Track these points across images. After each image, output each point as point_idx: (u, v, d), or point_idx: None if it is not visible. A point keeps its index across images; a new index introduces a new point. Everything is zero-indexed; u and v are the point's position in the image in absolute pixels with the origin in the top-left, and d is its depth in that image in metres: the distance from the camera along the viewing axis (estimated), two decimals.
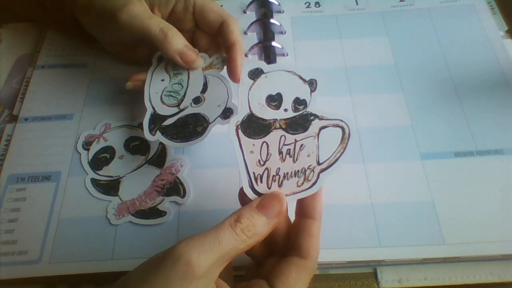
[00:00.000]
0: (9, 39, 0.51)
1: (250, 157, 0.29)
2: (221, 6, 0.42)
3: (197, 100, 0.37)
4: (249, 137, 0.29)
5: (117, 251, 0.35)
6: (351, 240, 0.35)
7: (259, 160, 0.29)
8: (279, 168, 0.29)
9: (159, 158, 0.40)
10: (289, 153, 0.29)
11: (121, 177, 0.39)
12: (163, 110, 0.37)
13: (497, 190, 0.37)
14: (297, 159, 0.29)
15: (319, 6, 0.51)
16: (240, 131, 0.29)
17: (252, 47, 0.46)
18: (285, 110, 0.30)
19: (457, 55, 0.46)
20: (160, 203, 0.37)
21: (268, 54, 0.46)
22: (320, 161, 0.29)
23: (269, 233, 0.27)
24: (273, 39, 0.48)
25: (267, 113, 0.30)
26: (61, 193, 0.38)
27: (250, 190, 0.29)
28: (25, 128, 0.42)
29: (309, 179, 0.29)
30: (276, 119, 0.30)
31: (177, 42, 0.37)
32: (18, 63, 0.48)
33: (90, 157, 0.40)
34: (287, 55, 0.46)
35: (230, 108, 0.36)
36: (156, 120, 0.37)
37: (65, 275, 0.34)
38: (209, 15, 0.40)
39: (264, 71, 0.31)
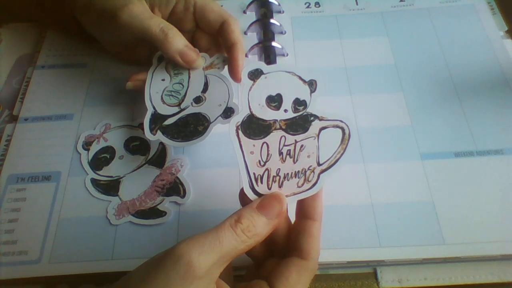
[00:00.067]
0: (9, 39, 0.51)
1: (250, 158, 0.29)
2: (221, 6, 0.42)
3: (198, 100, 0.37)
4: (249, 137, 0.29)
5: (117, 251, 0.35)
6: (351, 240, 0.35)
7: (259, 161, 0.29)
8: (279, 168, 0.29)
9: (159, 158, 0.40)
10: (289, 154, 0.29)
11: (121, 177, 0.39)
12: (163, 109, 0.37)
13: (497, 190, 0.37)
14: (297, 160, 0.29)
15: (319, 6, 0.51)
16: (240, 132, 0.29)
17: (252, 47, 0.46)
18: (285, 110, 0.30)
19: (457, 55, 0.46)
20: (160, 203, 0.37)
21: (268, 54, 0.46)
22: (320, 162, 0.29)
23: (269, 233, 0.27)
24: (273, 39, 0.48)
25: (267, 114, 0.30)
26: (61, 193, 0.38)
27: (250, 190, 0.29)
28: (25, 128, 0.42)
29: (309, 180, 0.29)
30: (276, 120, 0.30)
31: (178, 42, 0.37)
32: (18, 63, 0.48)
33: (90, 157, 0.40)
34: (287, 55, 0.46)
35: (231, 108, 0.36)
36: (157, 119, 0.37)
37: (65, 275, 0.34)
38: (210, 15, 0.40)
39: (264, 71, 0.31)
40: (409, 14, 0.49)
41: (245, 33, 0.48)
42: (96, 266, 0.35)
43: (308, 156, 0.29)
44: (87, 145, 0.41)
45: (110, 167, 0.39)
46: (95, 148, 0.41)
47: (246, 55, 0.46)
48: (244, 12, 0.50)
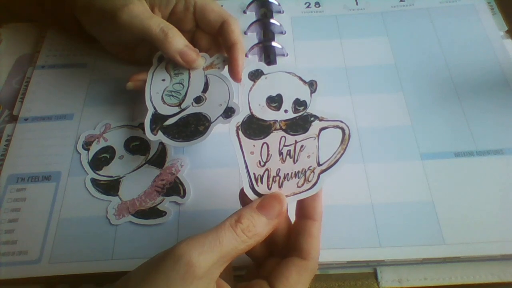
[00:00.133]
0: (9, 39, 0.51)
1: (250, 158, 0.29)
2: (221, 6, 0.42)
3: (198, 100, 0.37)
4: (249, 138, 0.29)
5: (117, 251, 0.35)
6: (351, 240, 0.35)
7: (259, 161, 0.29)
8: (279, 169, 0.29)
9: (159, 158, 0.40)
10: (289, 154, 0.29)
11: (121, 177, 0.39)
12: (164, 109, 0.37)
13: (497, 190, 0.37)
14: (297, 160, 0.29)
15: (319, 6, 0.51)
16: (240, 132, 0.29)
17: (252, 47, 0.46)
18: (285, 111, 0.30)
19: (457, 55, 0.46)
20: (160, 203, 0.37)
21: (268, 54, 0.46)
22: (320, 162, 0.29)
23: (269, 233, 0.27)
24: (273, 39, 0.48)
25: (267, 114, 0.30)
26: (61, 193, 0.38)
27: (250, 190, 0.29)
28: (25, 128, 0.42)
29: (309, 180, 0.29)
30: (276, 120, 0.30)
31: (178, 41, 0.37)
32: (18, 63, 0.48)
33: (90, 157, 0.40)
34: (287, 55, 0.46)
35: (231, 108, 0.36)
36: (158, 119, 0.37)
37: (65, 275, 0.34)
38: (210, 15, 0.40)
39: (264, 72, 0.31)
40: (409, 14, 0.49)
41: (245, 33, 0.48)
42: (96, 266, 0.35)
43: (308, 157, 0.29)
44: (87, 145, 0.41)
45: (110, 167, 0.39)
46: (95, 148, 0.41)
47: (246, 55, 0.46)
48: (244, 12, 0.50)
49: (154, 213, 0.37)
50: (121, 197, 0.38)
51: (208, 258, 0.23)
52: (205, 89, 0.38)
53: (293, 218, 0.30)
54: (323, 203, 0.29)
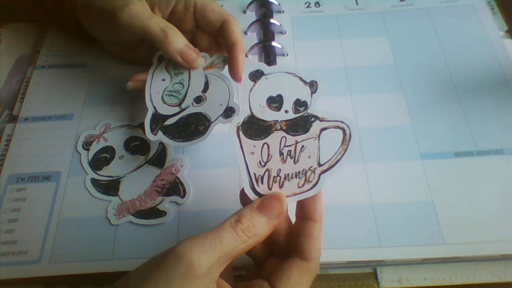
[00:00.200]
0: (9, 39, 0.51)
1: (251, 158, 0.29)
2: (221, 6, 0.42)
3: (198, 100, 0.37)
4: (250, 138, 0.29)
5: (117, 251, 0.35)
6: (351, 240, 0.35)
7: (260, 161, 0.29)
8: (280, 169, 0.29)
9: (159, 158, 0.40)
10: (290, 155, 0.29)
11: (121, 177, 0.39)
12: (164, 109, 0.37)
13: (497, 190, 0.37)
14: (298, 161, 0.29)
15: (319, 6, 0.51)
16: (241, 132, 0.29)
17: (252, 47, 0.46)
18: (286, 111, 0.30)
19: (457, 55, 0.46)
20: (160, 203, 0.37)
21: (268, 54, 0.46)
22: (321, 163, 0.29)
23: (269, 233, 0.27)
24: (273, 39, 0.48)
25: (267, 115, 0.30)
26: (61, 193, 0.38)
27: (251, 191, 0.29)
28: (25, 128, 0.42)
29: (310, 180, 0.29)
30: (277, 121, 0.30)
31: (178, 41, 0.37)
32: (18, 63, 0.48)
33: (90, 157, 0.40)
34: (287, 55, 0.46)
35: (231, 107, 0.36)
36: (158, 119, 0.37)
37: (65, 275, 0.34)
38: (210, 15, 0.40)
39: (265, 72, 0.31)
40: (409, 14, 0.49)
41: (245, 33, 0.48)
42: (96, 266, 0.35)
43: (309, 157, 0.29)
44: (87, 145, 0.41)
45: (110, 167, 0.39)
46: (95, 148, 0.41)
47: (246, 55, 0.46)
48: (244, 12, 0.50)
49: (154, 213, 0.37)
50: (121, 197, 0.38)
51: (209, 258, 0.24)
52: (205, 89, 0.38)
53: (293, 219, 0.30)
54: (323, 203, 0.29)
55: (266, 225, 0.27)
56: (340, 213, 0.36)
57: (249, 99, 0.30)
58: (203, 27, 0.41)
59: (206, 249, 0.24)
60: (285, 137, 0.29)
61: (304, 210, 0.29)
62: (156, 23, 0.37)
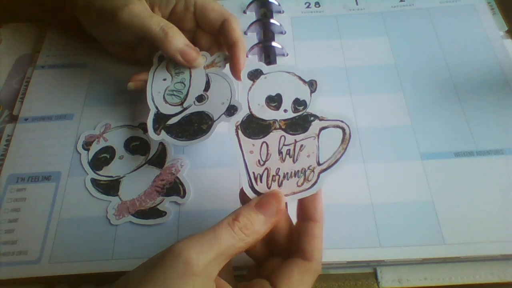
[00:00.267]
0: (9, 39, 0.51)
1: (250, 157, 0.29)
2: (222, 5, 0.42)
3: (200, 99, 0.37)
4: (249, 137, 0.29)
5: (117, 251, 0.35)
6: (351, 240, 0.35)
7: (259, 160, 0.29)
8: (279, 168, 0.29)
9: (159, 158, 0.40)
10: (289, 154, 0.29)
11: (121, 177, 0.39)
12: (166, 109, 0.37)
13: (497, 190, 0.37)
14: (297, 160, 0.29)
15: (319, 6, 0.51)
16: (240, 131, 0.29)
17: (252, 47, 0.46)
18: (285, 110, 0.30)
19: (457, 55, 0.46)
20: (160, 203, 0.37)
21: (268, 54, 0.46)
22: (320, 162, 0.29)
23: (268, 232, 0.27)
24: (273, 39, 0.48)
25: (267, 114, 0.30)
26: (61, 193, 0.38)
27: (250, 189, 0.29)
28: (25, 128, 0.42)
29: (309, 179, 0.29)
30: (276, 120, 0.30)
31: (178, 40, 0.37)
32: (18, 63, 0.48)
33: (90, 157, 0.40)
34: (287, 55, 0.46)
35: (234, 106, 0.36)
36: (160, 119, 0.37)
37: (65, 275, 0.34)
38: (210, 14, 0.40)
39: (264, 72, 0.31)
40: (409, 14, 0.49)
41: (245, 33, 0.48)
42: (96, 266, 0.35)
43: (308, 156, 0.29)
44: (87, 145, 0.41)
45: (110, 167, 0.39)
46: (95, 148, 0.41)
47: (246, 55, 0.46)
48: (244, 12, 0.50)
49: (154, 213, 0.37)
50: (121, 197, 0.38)
51: (206, 256, 0.24)
52: (206, 88, 0.38)
53: (294, 219, 0.30)
54: (323, 203, 0.29)
55: (264, 223, 0.27)
56: (340, 213, 0.36)
57: (248, 98, 0.30)
58: (204, 26, 0.41)
59: (203, 248, 0.24)
60: (284, 136, 0.29)
61: (305, 210, 0.29)
62: (156, 22, 0.37)
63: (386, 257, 0.34)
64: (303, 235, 0.28)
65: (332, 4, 0.51)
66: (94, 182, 0.39)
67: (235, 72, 0.38)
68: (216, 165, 0.39)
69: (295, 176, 0.29)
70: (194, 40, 0.42)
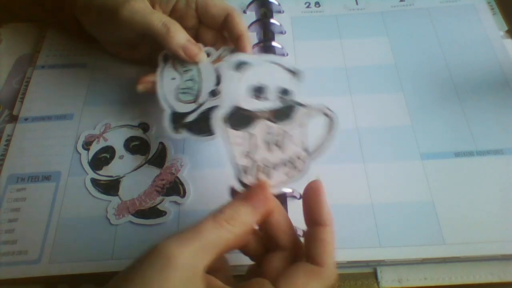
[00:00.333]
0: (9, 39, 0.51)
1: (236, 150, 0.29)
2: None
3: (213, 93, 0.37)
4: (235, 129, 0.29)
5: (117, 251, 0.35)
6: (351, 240, 0.35)
7: (246, 152, 0.29)
8: (266, 158, 0.29)
9: (159, 158, 0.40)
10: (276, 144, 0.29)
11: (121, 177, 0.39)
12: (181, 107, 0.37)
13: (497, 190, 0.37)
14: (284, 149, 0.29)
15: (319, 6, 0.51)
16: (226, 124, 0.29)
17: (252, 47, 0.46)
18: (270, 100, 0.30)
19: (457, 55, 0.46)
20: (160, 203, 0.37)
21: (268, 54, 0.46)
22: (308, 150, 0.29)
23: (258, 222, 0.27)
24: (273, 39, 0.48)
25: (252, 105, 0.29)
26: (61, 193, 0.38)
27: (238, 182, 0.29)
28: (25, 128, 0.42)
29: (297, 168, 0.28)
30: (262, 110, 0.29)
31: (180, 36, 0.37)
32: (18, 63, 0.48)
33: (90, 157, 0.40)
34: (287, 55, 0.46)
35: None
36: (177, 118, 0.37)
37: (65, 275, 0.34)
38: (213, 10, 0.40)
39: (248, 62, 0.31)
40: (409, 14, 0.49)
41: None
42: (96, 266, 0.35)
43: (296, 145, 0.29)
44: (87, 145, 0.41)
45: (110, 167, 0.39)
46: (95, 148, 0.41)
47: None
48: (244, 12, 0.50)
49: (154, 213, 0.37)
50: (121, 197, 0.38)
51: (187, 249, 0.23)
52: (218, 82, 0.38)
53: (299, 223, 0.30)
54: (329, 207, 0.28)
55: (251, 214, 0.26)
56: (340, 213, 0.36)
57: (233, 90, 0.30)
58: (206, 22, 0.41)
59: (184, 241, 0.23)
60: (270, 126, 0.29)
61: (311, 215, 0.28)
62: (158, 18, 0.37)
63: (386, 257, 0.34)
64: (312, 240, 0.27)
65: (332, 4, 0.51)
66: (94, 182, 0.39)
67: None
68: (216, 165, 0.39)
69: (283, 166, 0.28)
70: (197, 37, 0.42)
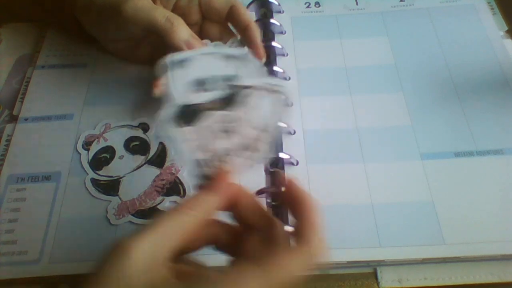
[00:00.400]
0: (9, 39, 0.51)
1: (192, 145, 0.28)
2: None
3: None
4: (186, 126, 0.28)
5: None
6: (351, 240, 0.35)
7: (202, 145, 0.28)
8: (225, 147, 0.28)
9: (159, 158, 0.40)
10: (232, 130, 0.28)
11: (121, 177, 0.39)
12: None
13: (497, 190, 0.37)
14: (242, 134, 0.28)
15: (319, 6, 0.51)
16: (174, 123, 0.28)
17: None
18: (217, 90, 0.29)
19: (457, 55, 0.46)
20: (160, 203, 0.37)
21: (268, 54, 0.46)
22: (267, 129, 0.28)
23: (223, 208, 0.26)
24: (273, 39, 0.48)
25: (199, 98, 0.28)
26: (61, 193, 0.38)
27: (200, 178, 0.28)
28: (25, 128, 0.42)
29: (259, 149, 0.28)
30: (210, 101, 0.28)
31: (183, 31, 0.37)
32: (18, 63, 0.48)
33: (90, 157, 0.40)
34: (287, 55, 0.46)
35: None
36: None
37: (65, 275, 0.34)
38: (216, 4, 0.40)
39: (187, 58, 0.30)
40: (409, 14, 0.49)
41: None
42: None
43: (253, 128, 0.28)
44: (87, 145, 0.41)
45: (110, 167, 0.39)
46: (95, 148, 0.41)
47: None
48: None
49: (154, 213, 0.37)
50: (121, 197, 0.38)
51: (144, 240, 0.23)
52: None
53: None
54: (303, 188, 0.27)
55: (212, 199, 0.26)
56: (340, 213, 0.36)
57: (176, 87, 0.29)
58: (210, 16, 0.41)
59: (141, 233, 0.23)
60: (223, 114, 0.28)
61: (289, 199, 0.27)
62: (162, 13, 0.37)
63: (386, 257, 0.34)
64: (297, 222, 0.26)
65: (332, 4, 0.51)
66: (94, 182, 0.39)
67: (256, 54, 0.38)
68: None
69: (245, 150, 0.28)
70: (202, 32, 0.42)
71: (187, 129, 0.28)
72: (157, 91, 0.39)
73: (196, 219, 0.25)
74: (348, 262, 0.34)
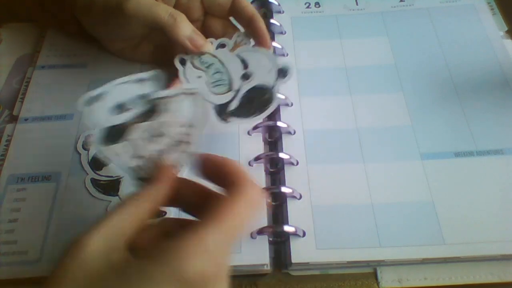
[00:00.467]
0: (9, 39, 0.51)
1: (124, 157, 0.29)
2: None
3: (246, 77, 0.38)
4: (112, 143, 0.29)
5: None
6: (351, 240, 0.35)
7: (134, 154, 0.29)
8: (156, 149, 0.29)
9: None
10: (159, 134, 0.29)
11: (121, 177, 0.39)
12: (220, 99, 0.38)
13: (497, 190, 0.37)
14: (169, 135, 0.29)
15: (319, 6, 0.51)
16: (102, 144, 0.29)
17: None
18: (133, 109, 0.30)
19: (457, 55, 0.46)
20: None
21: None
22: (193, 124, 0.29)
23: (168, 195, 0.27)
24: (273, 39, 0.48)
25: (119, 119, 0.30)
26: (61, 193, 0.38)
27: (136, 181, 0.29)
28: (25, 128, 0.42)
29: (189, 142, 0.29)
30: (131, 119, 0.30)
31: (186, 27, 0.37)
32: (18, 63, 0.48)
33: (90, 157, 0.40)
34: (287, 55, 0.47)
35: (283, 68, 0.37)
36: (221, 110, 0.38)
37: None
38: None
39: (101, 92, 0.30)
40: (409, 14, 0.49)
41: None
42: None
43: (179, 126, 0.29)
44: (87, 145, 0.41)
45: (110, 167, 0.39)
46: (95, 148, 0.41)
47: None
48: None
49: None
50: (121, 197, 0.38)
51: (97, 233, 0.24)
52: (245, 66, 0.38)
53: None
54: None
55: (157, 187, 0.26)
56: (340, 213, 0.36)
57: (94, 118, 0.30)
58: (213, 11, 0.41)
59: (94, 228, 0.24)
60: (147, 125, 0.29)
61: (214, 172, 0.27)
62: (164, 9, 0.37)
63: (386, 257, 0.34)
64: (225, 179, 0.26)
65: (332, 4, 0.51)
66: (94, 182, 0.39)
67: (263, 44, 0.39)
68: None
69: (176, 147, 0.29)
70: (205, 29, 0.42)
71: (116, 146, 0.29)
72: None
73: (144, 209, 0.26)
74: (348, 262, 0.34)
